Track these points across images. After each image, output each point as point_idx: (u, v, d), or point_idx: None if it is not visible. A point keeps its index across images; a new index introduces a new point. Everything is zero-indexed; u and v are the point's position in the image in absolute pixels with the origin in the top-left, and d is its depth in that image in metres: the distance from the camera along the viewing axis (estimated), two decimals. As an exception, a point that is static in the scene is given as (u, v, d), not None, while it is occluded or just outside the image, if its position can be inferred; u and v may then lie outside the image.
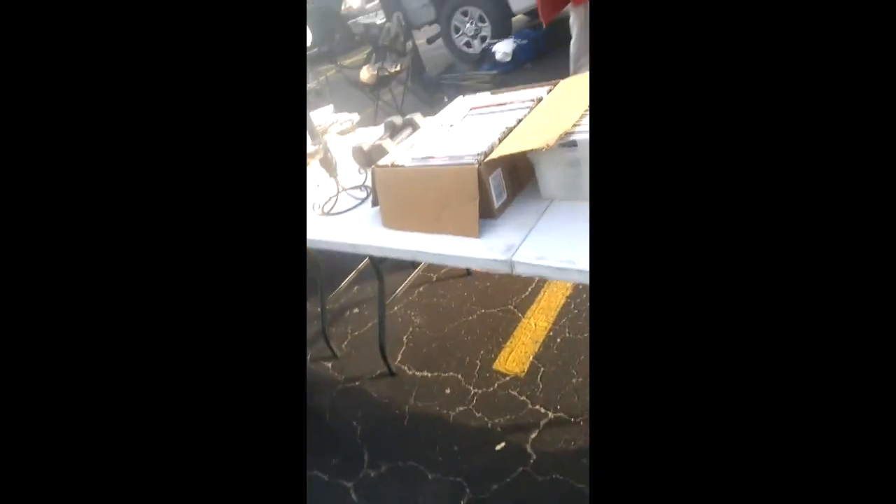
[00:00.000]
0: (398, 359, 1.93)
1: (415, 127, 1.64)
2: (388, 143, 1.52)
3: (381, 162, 1.18)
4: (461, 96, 1.43)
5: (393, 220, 1.19)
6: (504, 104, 1.25)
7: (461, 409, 1.66)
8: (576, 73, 2.57)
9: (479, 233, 1.03)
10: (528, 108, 1.18)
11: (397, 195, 1.16)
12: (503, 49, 4.25)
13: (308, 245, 1.34)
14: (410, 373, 1.86)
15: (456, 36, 4.82)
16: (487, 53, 4.44)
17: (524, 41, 4.27)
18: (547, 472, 1.38)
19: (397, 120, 1.66)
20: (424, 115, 1.67)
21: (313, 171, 1.45)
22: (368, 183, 1.44)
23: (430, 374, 1.82)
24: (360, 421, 1.75)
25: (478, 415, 1.62)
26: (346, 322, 2.23)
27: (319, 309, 2.06)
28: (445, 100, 4.36)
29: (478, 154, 1.03)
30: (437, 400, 1.72)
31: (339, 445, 1.69)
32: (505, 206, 1.10)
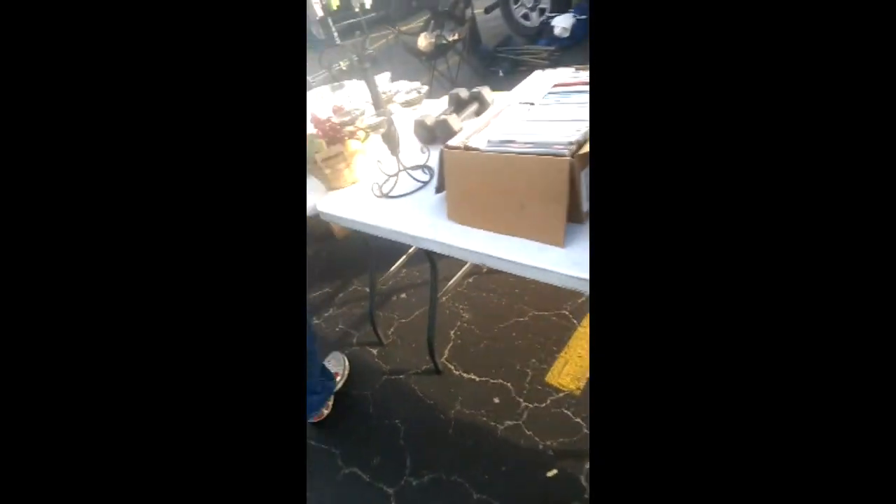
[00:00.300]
0: (444, 355, 1.79)
1: (482, 102, 1.46)
2: (453, 119, 1.34)
3: (452, 142, 1.00)
4: (539, 70, 1.22)
5: (460, 213, 1.03)
6: (595, 83, 1.05)
7: (510, 423, 1.50)
8: None
9: (563, 242, 0.85)
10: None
11: (468, 184, 0.99)
12: (562, 24, 3.96)
13: (363, 229, 1.20)
14: (457, 373, 1.71)
15: (514, 6, 4.52)
16: (546, 27, 4.15)
17: (584, 16, 3.94)
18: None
19: (463, 93, 1.48)
20: (488, 89, 1.48)
21: (374, 145, 1.28)
22: (431, 164, 1.27)
23: (477, 378, 1.67)
24: (404, 421, 1.63)
25: (528, 432, 1.46)
26: (393, 307, 2.10)
27: (368, 290, 1.93)
28: (501, 73, 4.13)
29: (569, 143, 0.84)
30: (485, 409, 1.57)
31: (381, 444, 1.58)
32: (597, 206, 0.91)
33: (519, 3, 4.46)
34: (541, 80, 1.18)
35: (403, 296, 2.15)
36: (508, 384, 1.61)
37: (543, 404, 1.52)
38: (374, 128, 1.11)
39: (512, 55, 4.04)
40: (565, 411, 1.48)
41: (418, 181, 1.23)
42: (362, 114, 1.17)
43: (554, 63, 3.77)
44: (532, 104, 1.06)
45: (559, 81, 1.12)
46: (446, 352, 1.80)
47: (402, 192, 1.21)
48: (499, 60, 4.09)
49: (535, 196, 0.87)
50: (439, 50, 3.70)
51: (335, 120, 1.18)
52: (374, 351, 1.92)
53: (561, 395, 1.53)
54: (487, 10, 4.97)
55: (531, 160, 0.86)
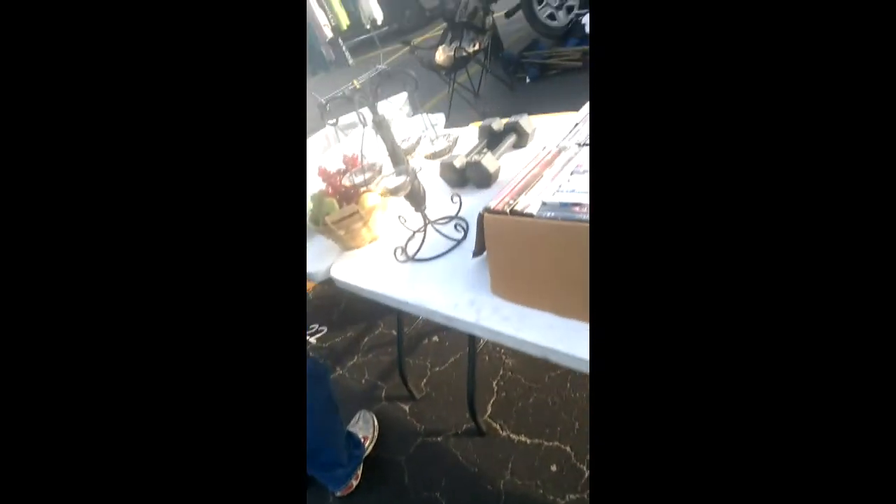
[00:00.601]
0: (487, 412, 1.59)
1: (521, 133, 1.26)
2: (488, 160, 1.14)
3: (494, 203, 0.80)
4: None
5: (508, 288, 0.83)
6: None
7: (573, 496, 1.29)
8: None
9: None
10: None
11: (518, 256, 0.79)
12: (595, 20, 3.74)
13: (386, 301, 1.01)
14: (504, 434, 1.51)
15: (539, 7, 4.30)
16: (576, 26, 3.94)
17: (620, 10, 3.72)
18: None
19: (496, 124, 1.28)
20: (527, 116, 1.28)
21: (396, 203, 1.10)
22: (464, 214, 1.08)
23: (528, 441, 1.47)
24: (445, 492, 1.44)
25: (597, 512, 1.24)
26: (425, 353, 1.91)
27: (396, 333, 1.76)
28: (528, 80, 3.91)
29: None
30: (540, 478, 1.36)
31: (421, 523, 1.39)
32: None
33: (544, 3, 4.24)
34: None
35: (436, 339, 1.96)
36: (567, 447, 1.40)
37: (608, 477, 1.31)
38: (394, 191, 0.92)
39: (539, 59, 3.82)
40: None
41: (450, 239, 1.03)
42: (379, 172, 0.98)
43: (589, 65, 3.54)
44: (592, 146, 0.85)
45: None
46: (489, 407, 1.60)
47: (430, 255, 1.02)
48: (525, 66, 3.87)
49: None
50: (459, 63, 3.51)
51: (346, 183, 0.99)
52: (406, 407, 1.74)
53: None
54: (509, 14, 4.76)
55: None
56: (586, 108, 1.00)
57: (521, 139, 1.25)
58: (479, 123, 1.32)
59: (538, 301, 0.78)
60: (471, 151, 1.22)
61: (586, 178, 0.77)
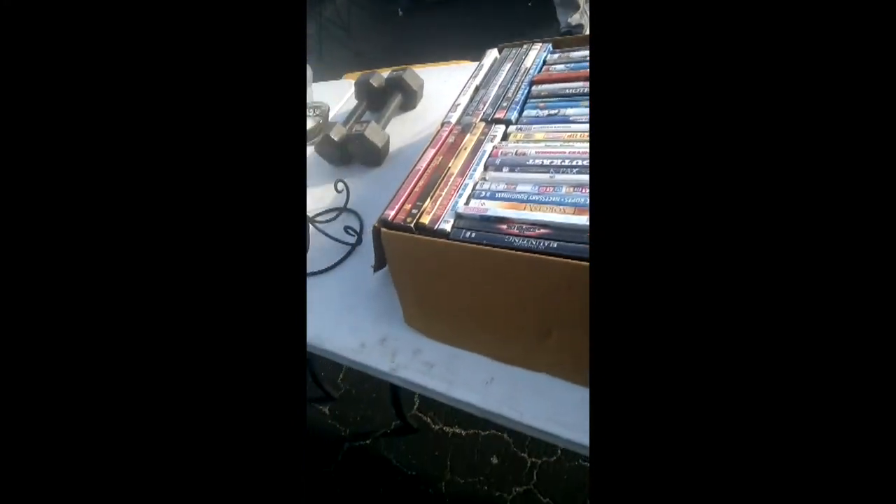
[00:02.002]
0: (415, 405, 1.43)
1: (407, 91, 1.01)
2: (373, 131, 0.89)
3: (390, 213, 0.58)
4: (492, 50, 0.79)
5: (427, 322, 0.63)
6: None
7: (519, 489, 1.20)
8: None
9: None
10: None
11: (434, 284, 0.59)
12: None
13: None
14: (436, 428, 1.38)
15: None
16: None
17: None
18: None
19: (375, 80, 1.02)
20: (412, 70, 1.03)
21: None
22: (353, 206, 0.85)
23: (463, 433, 1.34)
24: (383, 503, 1.29)
25: (545, 500, 1.16)
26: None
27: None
28: (400, 13, 3.52)
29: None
30: (482, 473, 1.25)
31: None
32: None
33: None
34: (503, 66, 0.75)
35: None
36: (504, 435, 1.30)
37: (555, 456, 1.22)
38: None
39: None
40: (583, 463, 1.19)
41: (342, 242, 0.80)
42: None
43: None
44: (510, 125, 0.64)
45: (539, 76, 0.70)
46: (416, 399, 1.45)
47: (317, 267, 0.78)
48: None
49: (575, 320, 0.49)
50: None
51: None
52: (326, 409, 1.54)
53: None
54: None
55: (561, 267, 0.47)
56: (489, 54, 0.78)
57: (409, 99, 1.01)
58: (356, 77, 1.05)
59: (467, 341, 0.59)
60: (350, 118, 0.96)
61: (505, 175, 0.57)
